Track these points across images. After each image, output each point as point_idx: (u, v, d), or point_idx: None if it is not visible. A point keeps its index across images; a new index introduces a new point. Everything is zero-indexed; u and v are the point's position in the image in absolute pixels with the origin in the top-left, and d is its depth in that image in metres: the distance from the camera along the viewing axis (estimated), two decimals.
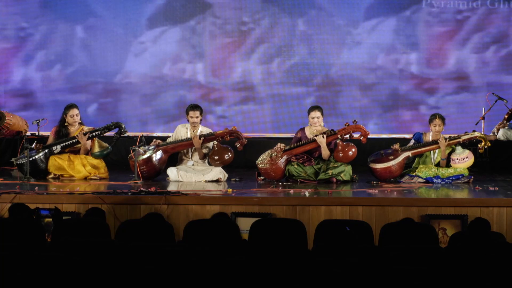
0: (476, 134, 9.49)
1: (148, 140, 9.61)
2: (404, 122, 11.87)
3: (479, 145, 9.45)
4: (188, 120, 9.60)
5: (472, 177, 9.33)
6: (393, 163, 9.29)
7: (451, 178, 9.22)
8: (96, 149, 9.54)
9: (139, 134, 10.17)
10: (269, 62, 11.96)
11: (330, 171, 9.21)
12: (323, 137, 9.20)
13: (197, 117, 9.53)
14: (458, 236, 6.18)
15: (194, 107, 9.57)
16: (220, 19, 11.95)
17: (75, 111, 9.66)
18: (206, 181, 9.22)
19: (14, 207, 6.63)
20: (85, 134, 9.47)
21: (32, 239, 5.93)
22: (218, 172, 9.37)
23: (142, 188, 8.30)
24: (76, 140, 9.52)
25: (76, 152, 9.59)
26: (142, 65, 11.97)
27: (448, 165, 9.37)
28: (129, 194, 7.96)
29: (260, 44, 11.95)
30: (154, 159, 9.40)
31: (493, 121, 11.31)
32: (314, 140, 9.26)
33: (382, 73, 11.89)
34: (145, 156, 9.32)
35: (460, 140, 9.38)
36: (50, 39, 11.98)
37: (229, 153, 9.42)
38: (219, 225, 6.36)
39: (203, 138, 9.35)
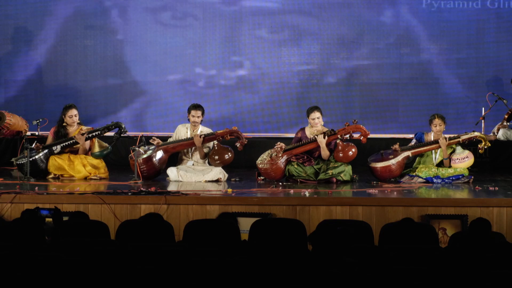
0: (476, 134, 9.48)
1: (148, 140, 9.60)
2: (404, 122, 11.87)
3: (479, 145, 9.44)
4: (189, 120, 9.60)
5: (472, 177, 9.32)
6: (393, 162, 9.28)
7: (451, 178, 9.22)
8: (96, 149, 9.53)
9: (139, 134, 10.16)
10: (268, 62, 11.97)
11: (330, 171, 9.21)
12: (324, 137, 9.19)
13: (198, 117, 9.53)
14: (458, 236, 6.18)
15: (197, 106, 9.57)
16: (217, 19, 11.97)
17: (73, 112, 9.65)
18: (206, 181, 9.22)
19: (26, 212, 6.55)
20: (83, 134, 9.46)
21: (32, 239, 5.92)
22: (218, 172, 9.36)
23: (142, 188, 8.30)
24: (75, 140, 9.51)
25: (76, 152, 9.59)
26: None
27: (449, 165, 9.36)
28: (129, 194, 7.96)
29: (260, 43, 11.96)
30: (154, 159, 9.39)
31: (493, 121, 11.31)
32: (314, 140, 9.26)
33: (382, 72, 11.89)
34: (145, 156, 9.32)
35: (460, 140, 9.38)
36: None
37: (229, 153, 9.42)
38: (219, 225, 6.36)
39: (203, 136, 9.35)
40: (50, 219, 7.22)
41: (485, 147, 9.43)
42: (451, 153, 9.40)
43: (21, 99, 12.05)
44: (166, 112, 12.02)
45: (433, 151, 9.45)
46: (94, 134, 9.52)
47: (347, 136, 9.22)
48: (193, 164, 9.53)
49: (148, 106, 12.06)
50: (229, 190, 8.35)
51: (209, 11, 11.90)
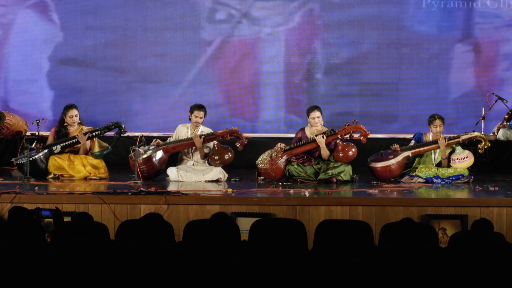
0: (476, 134, 9.49)
1: (148, 140, 9.61)
2: (404, 122, 11.87)
3: (479, 145, 9.45)
4: (190, 119, 9.60)
5: (472, 177, 9.32)
6: (393, 162, 9.29)
7: (451, 178, 9.22)
8: (96, 149, 9.54)
9: (139, 134, 10.16)
10: (269, 62, 11.97)
11: (330, 171, 9.21)
12: (323, 137, 9.20)
13: (201, 118, 9.55)
14: (458, 236, 6.18)
15: (200, 107, 9.58)
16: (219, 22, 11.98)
17: (74, 112, 9.67)
18: (206, 181, 9.22)
19: (13, 209, 6.60)
20: (85, 134, 9.47)
21: (32, 239, 5.93)
22: (218, 172, 9.37)
23: (142, 188, 8.30)
24: (76, 140, 9.52)
25: (76, 152, 9.59)
26: None
27: (448, 165, 9.37)
28: (129, 194, 7.96)
29: (260, 43, 11.96)
30: (154, 159, 9.40)
31: (493, 121, 11.31)
32: (314, 140, 9.26)
33: (382, 72, 11.88)
34: (145, 156, 9.32)
35: (460, 140, 9.38)
36: None
37: (229, 153, 9.42)
38: (219, 225, 6.35)
39: (204, 137, 9.36)
40: (51, 220, 7.23)
41: (485, 147, 9.43)
42: (450, 153, 9.40)
43: (21, 99, 12.04)
44: (164, 113, 12.02)
45: (432, 151, 9.45)
46: (94, 134, 9.53)
47: (347, 136, 9.22)
48: (193, 164, 9.53)
49: (149, 105, 12.06)
50: (229, 190, 8.36)
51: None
